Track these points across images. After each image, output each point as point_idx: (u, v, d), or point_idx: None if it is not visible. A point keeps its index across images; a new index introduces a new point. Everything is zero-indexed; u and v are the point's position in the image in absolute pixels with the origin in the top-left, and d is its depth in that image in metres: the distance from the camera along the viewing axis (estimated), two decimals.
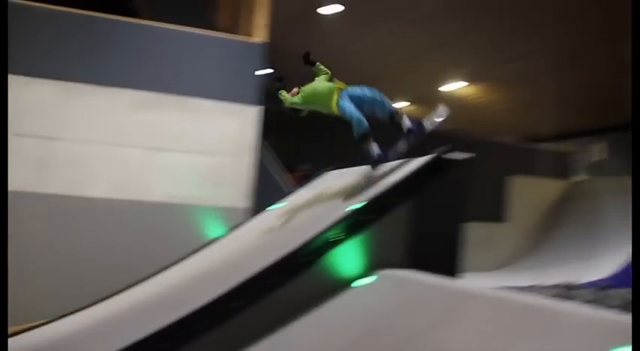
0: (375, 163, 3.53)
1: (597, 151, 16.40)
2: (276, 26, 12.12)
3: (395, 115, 3.86)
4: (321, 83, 4.27)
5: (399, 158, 3.44)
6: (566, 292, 9.97)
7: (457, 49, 13.29)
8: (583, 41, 12.04)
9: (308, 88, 4.35)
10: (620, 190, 14.09)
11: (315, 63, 4.47)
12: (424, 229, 2.89)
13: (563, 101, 15.03)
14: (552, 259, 13.04)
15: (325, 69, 4.46)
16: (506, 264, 13.98)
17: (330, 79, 4.32)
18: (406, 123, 3.73)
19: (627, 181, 13.36)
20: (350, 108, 3.85)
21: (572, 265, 12.50)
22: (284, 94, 4.49)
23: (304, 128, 12.01)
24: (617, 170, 17.18)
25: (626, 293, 9.66)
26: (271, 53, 9.02)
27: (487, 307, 1.88)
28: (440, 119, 3.70)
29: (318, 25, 13.13)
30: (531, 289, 10.11)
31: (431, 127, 3.64)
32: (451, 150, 2.90)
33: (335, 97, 3.97)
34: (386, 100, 3.98)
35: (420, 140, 3.53)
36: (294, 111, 4.51)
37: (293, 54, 15.90)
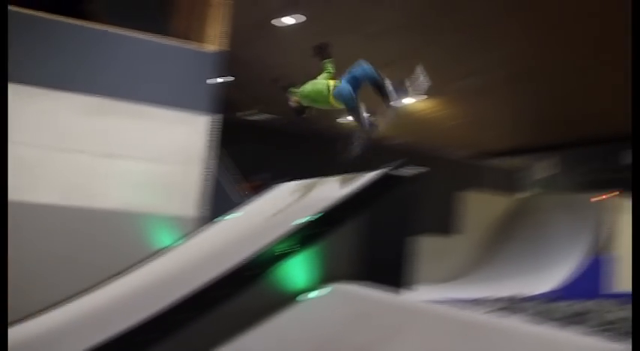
0: (364, 131, 4.06)
1: (548, 167, 16.88)
2: (234, 35, 12.06)
3: (382, 87, 4.41)
4: (319, 81, 4.31)
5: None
6: (514, 304, 10.20)
7: (415, 63, 13.51)
8: (538, 58, 12.41)
9: (307, 85, 4.38)
10: (568, 206, 14.54)
11: (328, 58, 4.50)
12: (374, 242, 2.91)
13: (517, 117, 15.44)
14: (501, 272, 13.32)
15: (331, 68, 4.48)
16: (457, 276, 14.20)
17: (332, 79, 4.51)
18: (389, 89, 4.26)
19: (575, 197, 13.84)
20: (344, 90, 4.26)
21: (520, 278, 12.79)
22: (294, 91, 4.62)
23: (262, 138, 12.01)
24: (565, 186, 17.74)
25: (567, 306, 9.97)
26: (229, 61, 8.97)
27: (432, 322, 1.90)
28: (420, 80, 4.07)
29: (277, 35, 13.16)
30: (481, 301, 10.32)
31: (413, 90, 4.02)
32: (401, 165, 2.94)
33: (331, 91, 4.25)
34: (376, 73, 4.52)
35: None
36: (298, 112, 4.62)
37: (252, 62, 15.98)
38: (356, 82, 4.40)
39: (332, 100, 4.12)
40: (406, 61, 13.72)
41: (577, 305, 10.38)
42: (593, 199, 13.74)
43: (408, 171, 3.00)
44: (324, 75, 4.47)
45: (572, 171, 18.14)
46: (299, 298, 2.93)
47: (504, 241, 15.05)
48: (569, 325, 8.39)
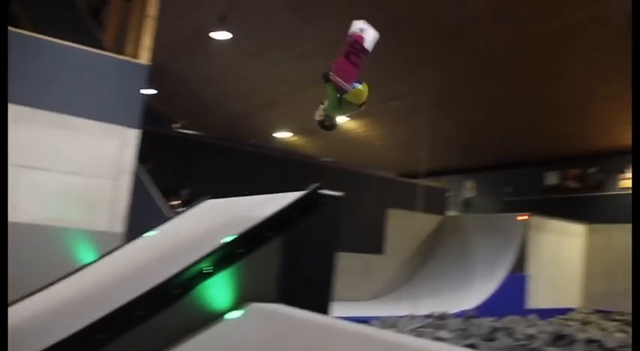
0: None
1: (467, 188, 17.46)
2: (166, 48, 11.92)
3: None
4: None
5: None
6: (438, 321, 10.45)
7: None
8: (463, 84, 12.90)
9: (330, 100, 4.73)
10: (487, 226, 15.08)
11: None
12: (296, 263, 2.93)
13: (443, 139, 15.93)
14: (426, 289, 13.60)
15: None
16: (381, 294, 14.40)
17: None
18: None
19: (497, 217, 14.35)
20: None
21: (444, 295, 13.11)
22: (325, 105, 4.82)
23: (190, 152, 11.82)
24: (489, 207, 18.39)
25: (488, 323, 10.30)
26: (160, 74, 8.84)
27: (350, 343, 1.93)
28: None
29: (208, 49, 13.09)
30: (404, 318, 10.50)
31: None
32: (324, 186, 2.98)
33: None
34: None
35: None
36: (326, 126, 4.92)
37: (183, 75, 15.80)
38: None
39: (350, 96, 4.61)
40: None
41: (497, 322, 10.75)
42: (515, 219, 14.31)
43: (332, 191, 3.04)
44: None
45: (496, 192, 18.85)
46: (218, 318, 2.91)
47: (429, 260, 15.42)
48: (490, 341, 8.69)
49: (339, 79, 4.49)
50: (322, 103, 4.82)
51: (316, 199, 3.00)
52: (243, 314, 2.87)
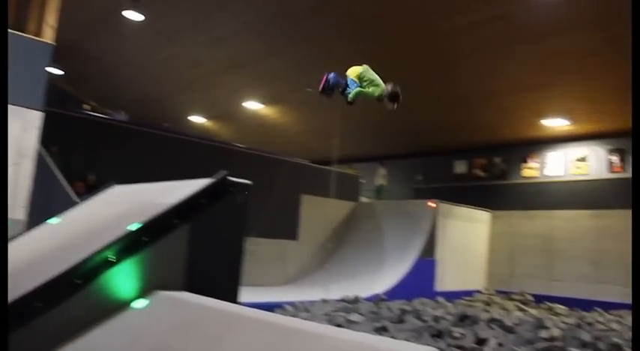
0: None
1: (380, 176, 17.85)
2: (77, 28, 11.37)
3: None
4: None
5: None
6: (350, 305, 10.67)
7: (257, 70, 13.68)
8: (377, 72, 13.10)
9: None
10: (398, 212, 15.52)
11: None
12: (204, 250, 2.92)
13: (357, 127, 16.18)
14: (339, 274, 13.82)
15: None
16: (297, 279, 14.51)
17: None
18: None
19: (403, 205, 14.77)
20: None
21: (357, 280, 13.38)
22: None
23: (95, 137, 11.36)
24: (395, 194, 18.91)
25: (398, 305, 10.63)
26: (70, 55, 8.43)
27: (255, 331, 1.96)
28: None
29: (121, 30, 12.63)
30: (317, 303, 10.66)
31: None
32: (234, 173, 2.97)
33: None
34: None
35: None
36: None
37: (95, 56, 15.17)
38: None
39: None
40: (251, 66, 13.96)
41: (407, 304, 11.12)
42: (425, 206, 14.80)
43: (242, 179, 3.04)
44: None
45: (407, 179, 19.40)
46: (124, 307, 2.85)
47: (342, 245, 15.67)
48: (399, 323, 8.98)
49: None
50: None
51: (224, 187, 2.98)
52: (149, 303, 2.83)
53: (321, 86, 6.33)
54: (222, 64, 13.61)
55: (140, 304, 2.86)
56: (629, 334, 8.80)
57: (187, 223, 2.86)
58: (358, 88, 6.09)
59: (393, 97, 6.15)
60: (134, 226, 2.84)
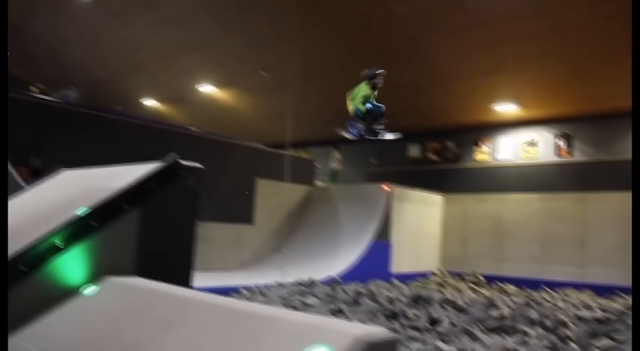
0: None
1: (334, 160, 17.91)
2: (22, 5, 10.94)
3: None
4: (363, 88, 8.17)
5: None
6: (305, 288, 10.73)
7: (211, 52, 13.49)
8: (326, 59, 13.11)
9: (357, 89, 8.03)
10: (353, 196, 15.64)
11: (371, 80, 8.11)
12: (155, 235, 2.88)
13: (307, 112, 16.16)
14: (295, 257, 13.85)
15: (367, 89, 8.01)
16: (253, 263, 14.49)
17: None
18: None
19: (358, 189, 14.90)
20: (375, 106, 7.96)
21: (313, 263, 13.45)
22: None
23: (42, 120, 11.01)
24: (350, 178, 19.04)
25: (353, 288, 10.75)
26: (15, 34, 8.11)
27: (205, 315, 1.95)
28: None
29: (69, 8, 12.24)
30: (272, 287, 10.68)
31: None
32: (185, 158, 2.93)
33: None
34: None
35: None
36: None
37: (42, 36, 14.66)
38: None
39: (360, 104, 7.83)
40: (204, 49, 13.73)
41: (362, 287, 11.24)
42: (379, 189, 14.95)
43: (190, 163, 3.00)
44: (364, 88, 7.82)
45: (362, 163, 19.54)
46: (74, 293, 2.80)
47: (298, 229, 15.70)
48: (355, 306, 9.08)
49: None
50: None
51: (175, 170, 2.94)
52: (99, 289, 2.78)
53: (354, 135, 8.09)
54: (175, 46, 13.35)
55: (90, 290, 2.81)
56: (573, 311, 9.17)
57: (137, 207, 2.82)
58: (361, 107, 7.84)
59: (371, 77, 7.79)
60: (82, 211, 2.78)
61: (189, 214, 3.00)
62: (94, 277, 2.81)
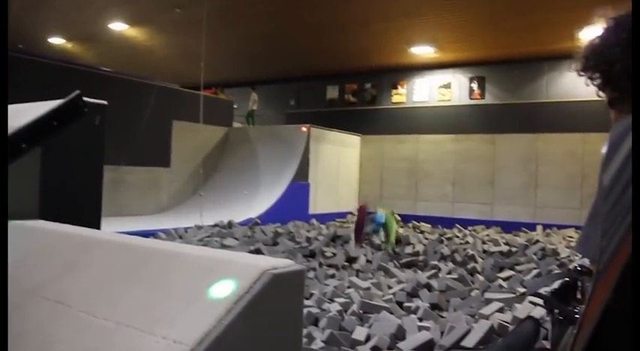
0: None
1: (252, 101, 17.71)
2: None
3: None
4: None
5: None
6: (224, 230, 10.76)
7: None
8: None
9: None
10: (271, 137, 15.61)
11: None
12: (58, 176, 2.75)
13: (228, 51, 15.75)
14: (214, 200, 13.80)
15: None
16: (171, 206, 14.34)
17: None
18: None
19: (276, 130, 14.80)
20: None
21: (231, 205, 13.46)
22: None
23: None
24: (268, 119, 18.94)
25: (272, 229, 10.88)
26: None
27: (111, 254, 1.91)
28: None
29: None
30: (191, 229, 10.63)
31: None
32: (84, 94, 2.78)
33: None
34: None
35: None
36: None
37: None
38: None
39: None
40: None
41: (281, 227, 11.40)
42: (298, 130, 14.97)
43: (94, 100, 2.86)
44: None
45: (280, 104, 19.42)
46: None
47: (216, 171, 15.59)
48: (273, 246, 9.22)
49: None
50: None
51: (78, 108, 2.79)
52: None
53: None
54: None
55: None
56: (481, 246, 9.73)
57: (37, 147, 2.67)
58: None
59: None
60: None
61: (95, 153, 2.88)
62: None
